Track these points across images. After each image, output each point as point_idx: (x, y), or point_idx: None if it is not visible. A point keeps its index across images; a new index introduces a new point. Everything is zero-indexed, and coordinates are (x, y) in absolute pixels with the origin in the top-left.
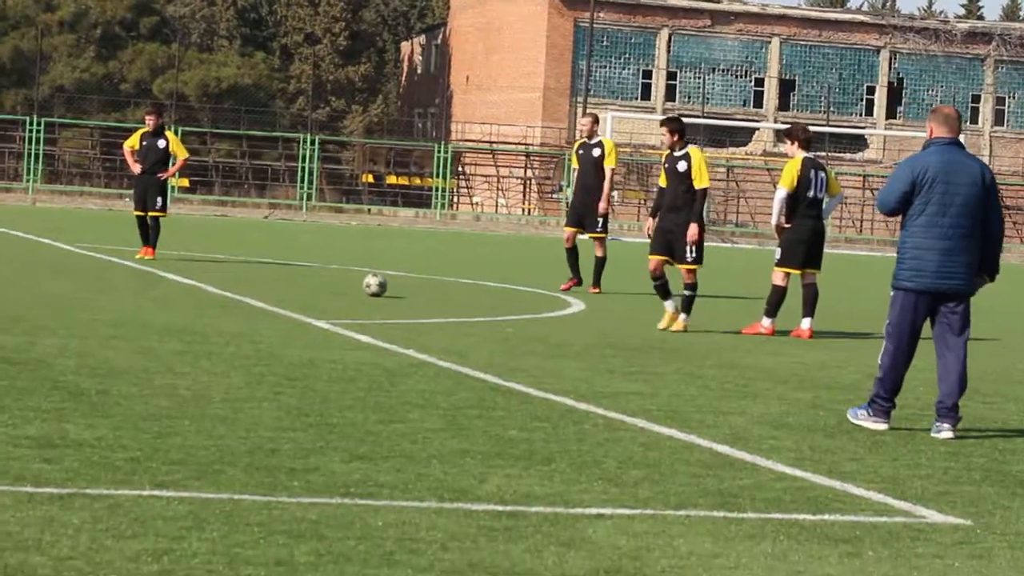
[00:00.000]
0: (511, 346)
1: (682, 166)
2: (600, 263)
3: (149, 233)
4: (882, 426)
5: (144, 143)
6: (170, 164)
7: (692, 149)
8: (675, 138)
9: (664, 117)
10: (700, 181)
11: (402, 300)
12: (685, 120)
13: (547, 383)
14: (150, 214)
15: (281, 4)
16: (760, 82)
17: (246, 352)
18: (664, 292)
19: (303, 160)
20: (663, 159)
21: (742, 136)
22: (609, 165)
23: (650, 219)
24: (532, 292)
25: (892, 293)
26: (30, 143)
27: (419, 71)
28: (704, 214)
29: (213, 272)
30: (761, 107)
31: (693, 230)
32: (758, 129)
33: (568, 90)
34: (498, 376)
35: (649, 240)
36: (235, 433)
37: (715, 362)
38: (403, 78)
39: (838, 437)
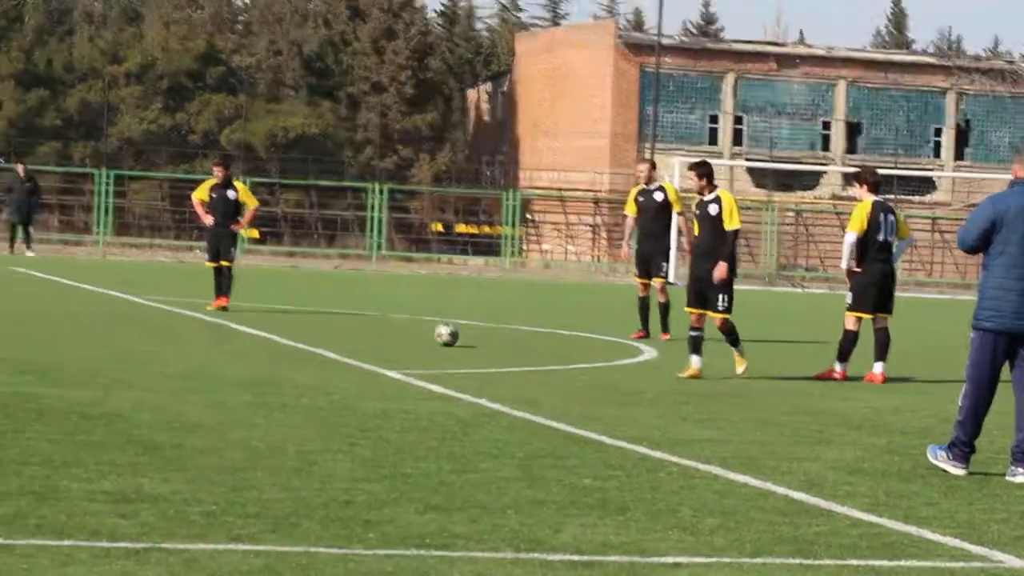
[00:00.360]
0: (584, 394)
1: (713, 209)
2: (664, 309)
3: (223, 283)
4: (960, 471)
5: (214, 195)
6: (241, 214)
7: (722, 192)
8: (703, 182)
9: (692, 162)
10: (731, 223)
11: (474, 349)
12: (754, 164)
13: (621, 431)
14: (223, 263)
15: (347, 53)
16: (827, 125)
17: (319, 404)
18: (696, 346)
19: (372, 210)
20: (694, 205)
21: (810, 180)
22: (678, 211)
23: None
24: (604, 340)
25: (972, 334)
26: (99, 196)
27: (486, 118)
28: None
29: (284, 324)
30: (828, 150)
31: (721, 268)
32: (826, 173)
33: (635, 136)
34: (571, 424)
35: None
36: (310, 485)
37: (789, 408)
38: (470, 126)
39: (913, 482)
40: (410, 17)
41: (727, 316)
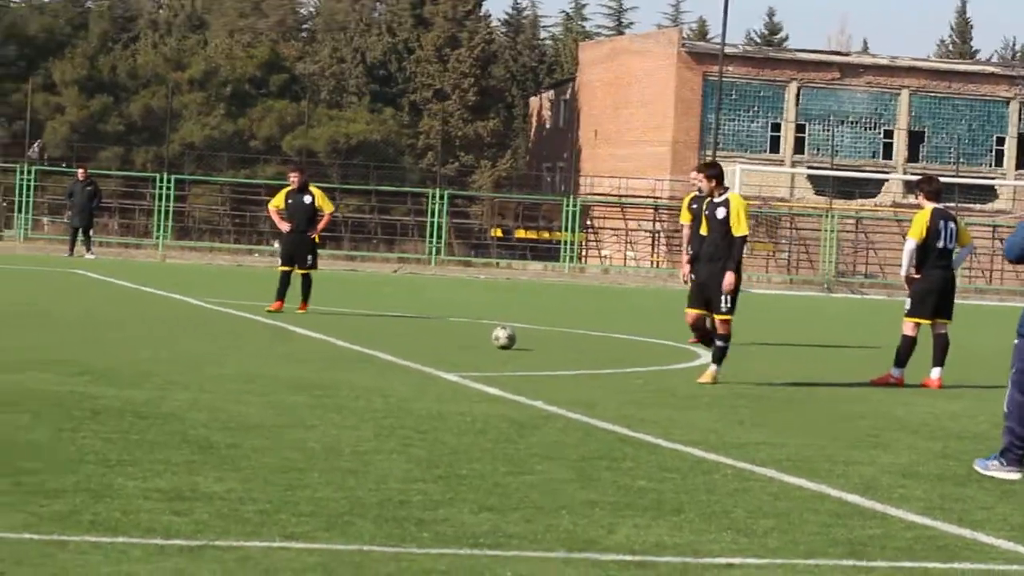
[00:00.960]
0: (640, 397)
1: (721, 213)
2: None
3: (286, 287)
4: (1015, 475)
5: (290, 201)
6: (318, 218)
7: (732, 195)
8: (713, 184)
9: (700, 163)
10: (739, 229)
11: (531, 352)
12: (815, 172)
13: (676, 434)
14: (300, 271)
15: (410, 61)
16: (889, 134)
17: (376, 405)
18: (709, 341)
19: (432, 215)
20: (704, 206)
21: (871, 188)
22: (741, 233)
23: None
24: (661, 344)
25: (1016, 341)
26: (160, 200)
27: (548, 126)
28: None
29: (343, 326)
30: (890, 159)
31: (729, 279)
32: (887, 181)
33: (697, 143)
34: (627, 427)
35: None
36: (365, 485)
37: (844, 412)
38: (532, 133)
39: (968, 486)
40: (474, 26)
41: (729, 318)
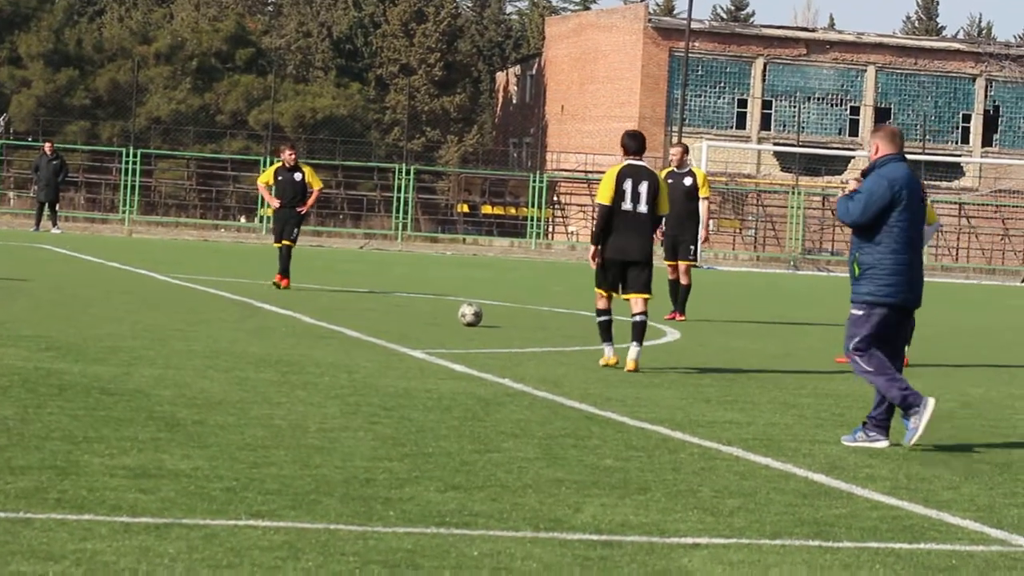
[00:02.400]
0: (606, 375)
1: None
2: (686, 291)
3: (288, 262)
4: (883, 443)
5: (280, 177)
6: (307, 195)
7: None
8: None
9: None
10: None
11: (497, 330)
12: (782, 148)
13: (642, 412)
14: (285, 243)
15: (376, 35)
16: (856, 110)
17: (342, 382)
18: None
19: (398, 190)
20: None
21: (838, 165)
22: (704, 195)
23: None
24: (627, 320)
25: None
26: (126, 174)
27: (514, 101)
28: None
29: (309, 302)
30: (857, 135)
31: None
32: (854, 158)
33: (663, 119)
34: (593, 405)
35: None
36: (331, 463)
37: (810, 391)
38: (498, 108)
39: (934, 466)
40: (440, 0)
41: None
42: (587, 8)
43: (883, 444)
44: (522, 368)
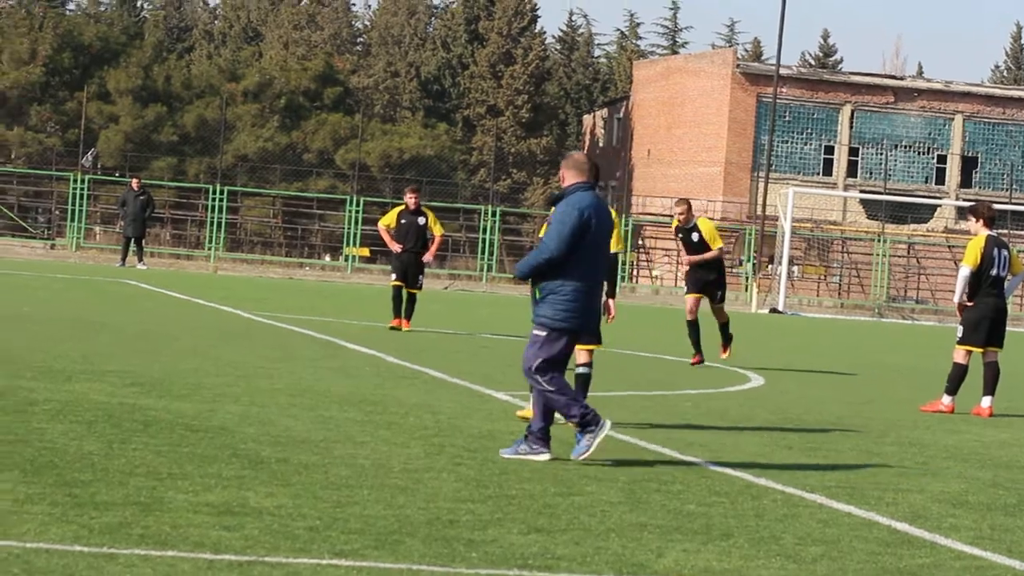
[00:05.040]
0: (690, 420)
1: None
2: (723, 326)
3: (403, 306)
4: (547, 456)
5: (403, 221)
6: (428, 240)
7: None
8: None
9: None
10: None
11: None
12: (868, 196)
13: (726, 457)
14: (410, 291)
15: (464, 76)
16: (943, 159)
17: (426, 423)
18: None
19: (484, 231)
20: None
21: (923, 213)
22: (716, 247)
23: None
24: (711, 366)
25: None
26: (213, 211)
27: (601, 144)
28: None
29: (393, 342)
30: (943, 184)
31: None
32: (940, 206)
33: (750, 165)
34: (677, 450)
35: None
36: (414, 503)
37: (894, 439)
38: (585, 150)
39: (1018, 516)
40: (528, 42)
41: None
42: (675, 52)
43: (546, 456)
44: (606, 412)
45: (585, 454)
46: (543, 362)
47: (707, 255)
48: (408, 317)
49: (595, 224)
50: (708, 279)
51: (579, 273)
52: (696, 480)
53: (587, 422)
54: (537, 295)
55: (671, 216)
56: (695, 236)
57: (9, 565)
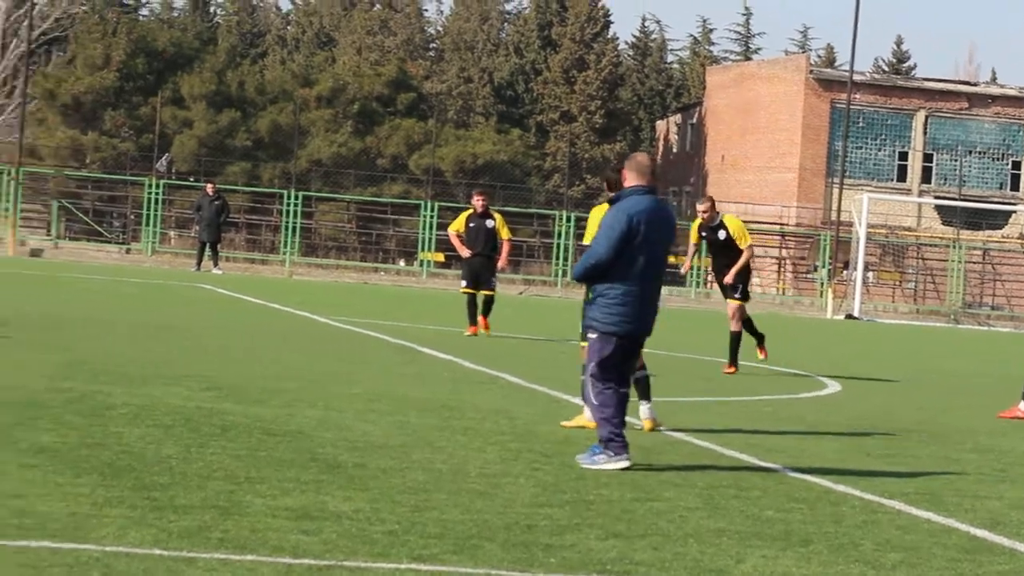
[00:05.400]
0: (768, 426)
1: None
2: (735, 339)
3: (475, 310)
4: (624, 463)
5: (471, 225)
6: (498, 244)
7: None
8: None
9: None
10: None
11: (657, 378)
12: (943, 202)
13: (804, 463)
14: (484, 292)
15: (538, 82)
16: (1017, 165)
17: (503, 428)
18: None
19: (558, 237)
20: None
21: (998, 219)
22: (744, 245)
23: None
24: (788, 372)
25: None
26: (287, 216)
27: (675, 150)
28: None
29: (469, 347)
30: (1018, 190)
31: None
32: (1015, 212)
33: (824, 171)
34: (755, 456)
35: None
36: (492, 508)
37: (972, 446)
38: (658, 156)
39: None
40: (601, 48)
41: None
42: (748, 58)
43: (624, 464)
44: (683, 417)
45: (585, 464)
46: (596, 367)
47: (740, 262)
48: (486, 315)
49: (644, 229)
50: (727, 283)
51: (628, 277)
52: (774, 486)
53: (610, 446)
54: (589, 297)
55: (745, 222)
56: (721, 234)
57: (89, 569)
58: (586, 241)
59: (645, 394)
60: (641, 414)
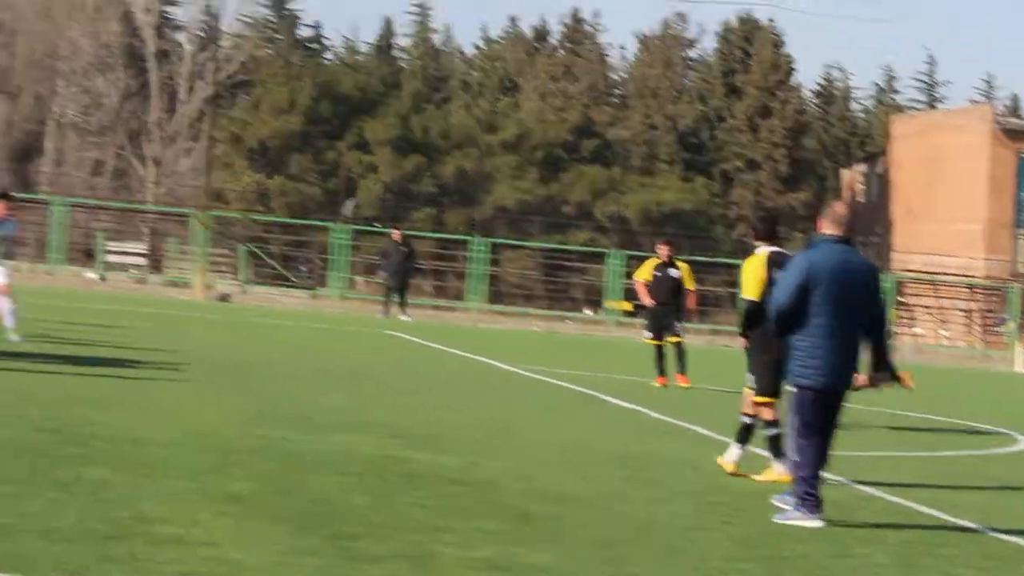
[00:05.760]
0: (959, 482)
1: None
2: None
3: (662, 361)
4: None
5: (658, 274)
6: (682, 293)
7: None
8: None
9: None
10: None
11: (848, 432)
12: None
13: (997, 521)
14: (672, 340)
15: (722, 129)
16: None
17: (692, 480)
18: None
19: None
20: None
21: None
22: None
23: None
24: (978, 427)
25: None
26: (473, 263)
27: (860, 199)
28: None
29: (654, 397)
30: None
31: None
32: None
33: (1011, 222)
34: (947, 512)
35: None
36: (687, 563)
37: None
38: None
39: None
40: (786, 96)
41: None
42: (932, 107)
43: (818, 523)
44: (874, 472)
45: (779, 512)
46: (798, 420)
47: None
48: (682, 371)
49: (828, 278)
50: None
51: (816, 328)
52: (967, 543)
53: (805, 504)
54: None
55: (932, 273)
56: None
57: None
58: (743, 294)
59: (774, 452)
60: (775, 469)
